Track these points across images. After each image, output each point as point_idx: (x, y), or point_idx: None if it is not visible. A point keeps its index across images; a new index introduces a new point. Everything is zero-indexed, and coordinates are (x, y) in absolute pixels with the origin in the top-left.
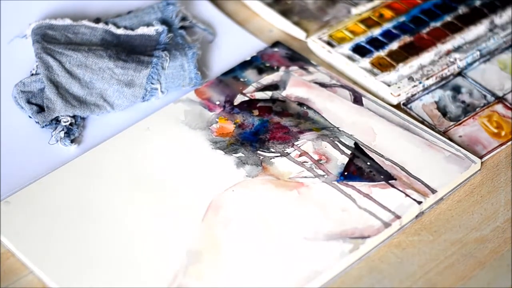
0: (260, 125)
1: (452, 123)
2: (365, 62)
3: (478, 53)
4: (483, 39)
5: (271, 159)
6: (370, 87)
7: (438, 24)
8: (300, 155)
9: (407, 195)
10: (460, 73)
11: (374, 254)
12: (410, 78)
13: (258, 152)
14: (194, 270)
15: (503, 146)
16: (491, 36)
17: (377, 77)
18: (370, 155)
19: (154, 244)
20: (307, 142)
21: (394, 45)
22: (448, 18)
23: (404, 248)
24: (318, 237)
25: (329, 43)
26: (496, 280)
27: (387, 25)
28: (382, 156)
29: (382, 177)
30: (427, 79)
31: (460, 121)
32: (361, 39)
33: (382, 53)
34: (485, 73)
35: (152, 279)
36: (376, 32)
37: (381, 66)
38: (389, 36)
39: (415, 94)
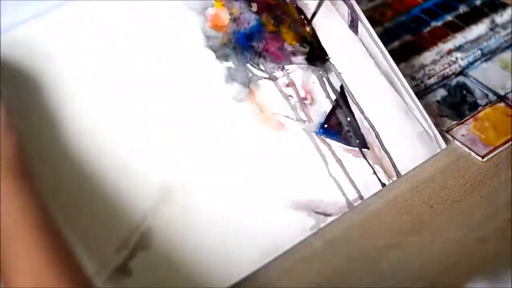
0: (256, 28)
1: (454, 122)
2: None
3: (479, 52)
4: (484, 38)
5: (258, 80)
6: None
7: (439, 23)
8: (287, 85)
9: (374, 172)
10: (461, 72)
11: (374, 253)
12: (412, 78)
13: (248, 65)
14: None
15: (503, 146)
16: (492, 35)
17: None
18: (352, 108)
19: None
20: (297, 70)
21: (395, 45)
22: (449, 18)
23: (404, 248)
24: (287, 204)
25: None
26: (496, 280)
27: (388, 25)
28: (362, 112)
29: (357, 141)
30: (429, 78)
31: (462, 120)
32: None
33: None
34: (486, 72)
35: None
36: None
37: None
38: (390, 35)
39: (417, 94)
